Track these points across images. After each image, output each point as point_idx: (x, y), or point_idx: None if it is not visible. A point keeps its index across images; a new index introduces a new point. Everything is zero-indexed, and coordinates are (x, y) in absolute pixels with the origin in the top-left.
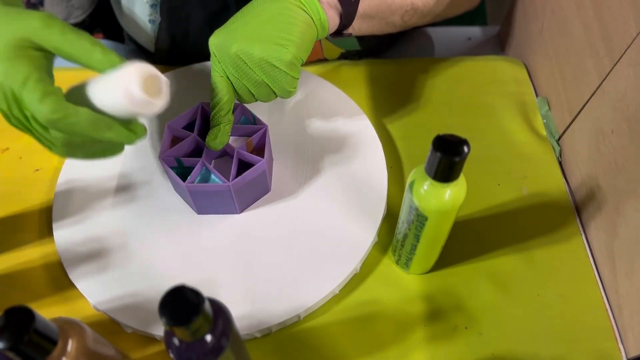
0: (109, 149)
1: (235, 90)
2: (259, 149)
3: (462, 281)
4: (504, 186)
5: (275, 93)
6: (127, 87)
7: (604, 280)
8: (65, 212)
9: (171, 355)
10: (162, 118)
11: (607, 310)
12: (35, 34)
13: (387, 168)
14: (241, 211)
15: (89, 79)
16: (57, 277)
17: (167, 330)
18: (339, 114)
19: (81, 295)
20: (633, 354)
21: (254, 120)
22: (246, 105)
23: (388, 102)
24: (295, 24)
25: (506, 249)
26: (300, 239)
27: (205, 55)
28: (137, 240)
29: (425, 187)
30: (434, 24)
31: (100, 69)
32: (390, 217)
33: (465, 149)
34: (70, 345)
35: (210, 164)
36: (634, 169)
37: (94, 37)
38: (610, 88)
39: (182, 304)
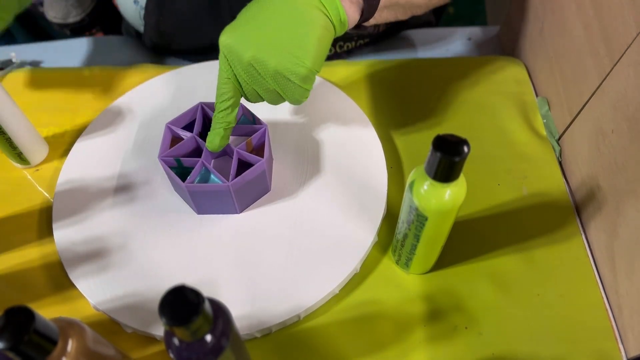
0: None
1: (243, 92)
2: (259, 149)
3: (462, 281)
4: (504, 186)
5: (284, 99)
6: None
7: (604, 280)
8: (65, 212)
9: (171, 355)
10: (162, 118)
11: (607, 310)
12: None
13: (387, 168)
14: (241, 211)
15: None
16: (57, 277)
17: (167, 330)
18: (339, 114)
19: (81, 295)
20: (633, 354)
21: (254, 120)
22: (246, 104)
23: (388, 102)
24: (312, 30)
25: (506, 249)
26: (300, 239)
27: (193, 31)
28: (137, 240)
29: (425, 187)
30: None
31: None
32: (390, 217)
33: (465, 149)
34: (70, 345)
35: (210, 164)
36: (634, 169)
37: None
38: (610, 88)
39: (182, 304)
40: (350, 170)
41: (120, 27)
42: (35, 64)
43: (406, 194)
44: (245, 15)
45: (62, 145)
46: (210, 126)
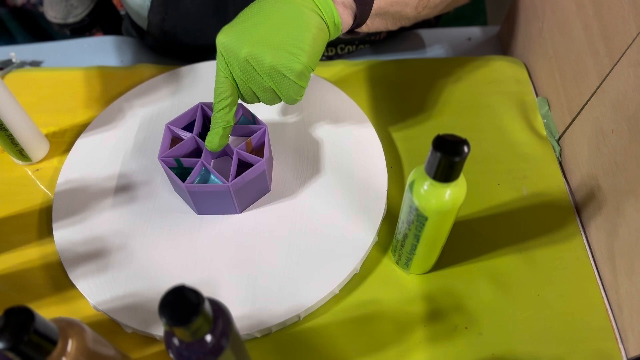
0: None
1: (240, 92)
2: (259, 149)
3: (462, 281)
4: (504, 186)
5: (280, 98)
6: None
7: (604, 280)
8: (65, 212)
9: (171, 355)
10: (162, 118)
11: (607, 310)
12: None
13: (387, 168)
14: (241, 211)
15: None
16: (57, 277)
17: (167, 331)
18: (339, 114)
19: (81, 295)
20: (633, 354)
21: (254, 120)
22: (246, 105)
23: (388, 102)
24: (308, 30)
25: (506, 249)
26: (300, 239)
27: (197, 32)
28: (137, 240)
29: (425, 187)
30: (434, 25)
31: None
32: (390, 217)
33: (465, 149)
34: (70, 345)
35: (210, 164)
36: (634, 169)
37: None
38: (610, 88)
39: (182, 304)
40: (350, 170)
41: (120, 27)
42: (35, 64)
43: (406, 194)
44: (242, 16)
45: (62, 145)
46: (210, 126)
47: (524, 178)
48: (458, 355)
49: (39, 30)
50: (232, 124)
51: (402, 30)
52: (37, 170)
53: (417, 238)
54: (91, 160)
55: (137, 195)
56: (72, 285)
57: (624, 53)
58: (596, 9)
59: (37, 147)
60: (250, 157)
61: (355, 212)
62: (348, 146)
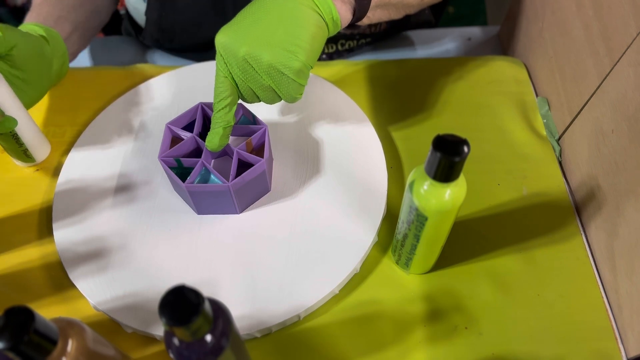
0: None
1: (240, 92)
2: (259, 149)
3: (462, 281)
4: (504, 186)
5: (280, 97)
6: None
7: (604, 280)
8: (65, 212)
9: (171, 355)
10: (162, 118)
11: (607, 310)
12: None
13: (387, 168)
14: (241, 211)
15: None
16: (57, 277)
17: (167, 331)
18: (339, 114)
19: (81, 295)
20: (633, 354)
21: (254, 120)
22: (246, 104)
23: (388, 102)
24: (306, 28)
25: (506, 249)
26: (300, 239)
27: (194, 28)
28: (137, 240)
29: (425, 187)
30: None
31: None
32: (390, 217)
33: (465, 149)
34: (70, 345)
35: (210, 164)
36: (634, 169)
37: None
38: (610, 88)
39: (182, 304)
40: (350, 170)
41: (120, 27)
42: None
43: (406, 194)
44: (240, 16)
45: (62, 145)
46: (210, 126)
47: (524, 178)
48: (458, 355)
49: None
50: (232, 123)
51: (403, 30)
52: (37, 170)
53: (417, 238)
54: (91, 160)
55: (137, 195)
56: (72, 285)
57: (624, 53)
58: (596, 9)
59: (41, 147)
60: (250, 157)
61: (355, 212)
62: (348, 146)
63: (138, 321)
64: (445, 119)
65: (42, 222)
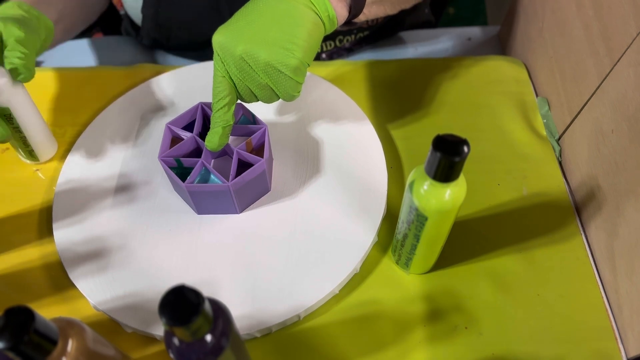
0: None
1: (238, 91)
2: (259, 149)
3: (462, 281)
4: (504, 186)
5: (278, 96)
6: None
7: (604, 280)
8: (65, 212)
9: (171, 355)
10: (162, 118)
11: (607, 310)
12: None
13: (387, 168)
14: (241, 211)
15: None
16: (57, 277)
17: (167, 331)
18: (339, 114)
19: (81, 295)
20: (633, 354)
21: (254, 120)
22: (246, 104)
23: (388, 102)
24: (302, 26)
25: (506, 249)
26: (300, 239)
27: (191, 24)
28: (137, 240)
29: (425, 187)
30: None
31: None
32: (390, 217)
33: (465, 149)
34: (70, 345)
35: (210, 164)
36: (634, 169)
37: None
38: (610, 88)
39: (182, 304)
40: (350, 170)
41: (120, 27)
42: (35, 65)
43: (406, 194)
44: (237, 16)
45: (62, 145)
46: (210, 126)
47: (524, 178)
48: (458, 355)
49: None
50: (232, 123)
51: (401, 25)
52: (37, 170)
53: (417, 238)
54: (91, 160)
55: (137, 195)
56: (72, 285)
57: (624, 53)
58: (596, 9)
59: (47, 148)
60: (250, 157)
61: (355, 212)
62: (348, 146)
63: (138, 321)
64: (445, 119)
65: (42, 222)
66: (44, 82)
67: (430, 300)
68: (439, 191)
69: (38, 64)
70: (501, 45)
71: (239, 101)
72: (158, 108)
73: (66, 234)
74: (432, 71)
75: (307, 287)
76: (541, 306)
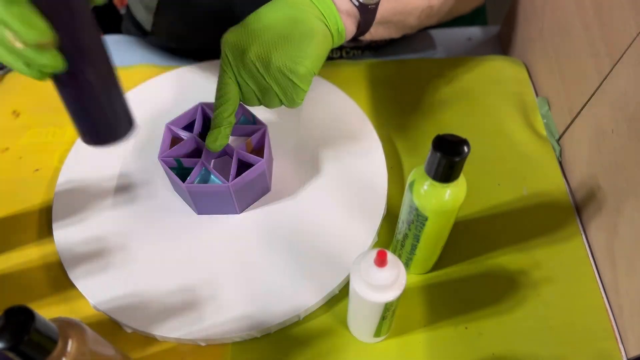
0: None
1: (242, 93)
2: (259, 149)
3: (462, 281)
4: (504, 186)
5: (281, 101)
6: None
7: (604, 280)
8: (65, 212)
9: None
10: (162, 118)
11: (607, 310)
12: None
13: (387, 168)
14: (241, 211)
15: None
16: (57, 277)
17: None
18: (339, 114)
19: (81, 295)
20: (633, 354)
21: (254, 120)
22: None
23: (388, 102)
24: (313, 36)
25: (506, 249)
26: (300, 239)
27: (203, 36)
28: (137, 240)
29: (425, 187)
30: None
31: None
32: (390, 217)
33: (465, 149)
34: (70, 345)
35: (210, 164)
36: (634, 169)
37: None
38: (611, 88)
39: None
40: (350, 170)
41: (120, 26)
42: None
43: (406, 194)
44: (250, 19)
45: (62, 145)
46: (210, 126)
47: (524, 178)
48: (458, 355)
49: None
50: (233, 123)
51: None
52: (37, 170)
53: (417, 238)
54: (91, 160)
55: (137, 195)
56: (72, 285)
57: (624, 53)
58: (596, 9)
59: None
60: (250, 157)
61: (355, 212)
62: (348, 146)
63: (138, 321)
64: (445, 119)
65: (42, 222)
66: (45, 82)
67: (430, 300)
68: (439, 191)
69: None
70: (501, 45)
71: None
72: (158, 108)
73: (66, 234)
74: (432, 71)
75: (307, 287)
76: (541, 306)
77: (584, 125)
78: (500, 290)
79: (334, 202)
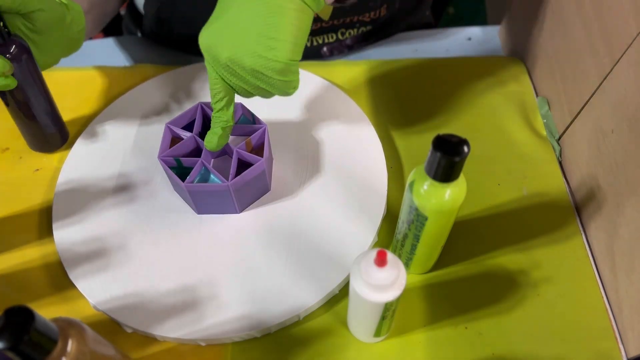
0: None
1: (234, 89)
2: (259, 149)
3: (462, 281)
4: (504, 186)
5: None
6: None
7: (604, 280)
8: (65, 212)
9: None
10: (162, 118)
11: (607, 310)
12: None
13: (387, 168)
14: (241, 211)
15: None
16: (57, 277)
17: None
18: (339, 114)
19: (81, 295)
20: (633, 354)
21: (254, 120)
22: (246, 104)
23: (388, 102)
24: (284, 16)
25: (506, 249)
26: (300, 239)
27: (192, 19)
28: (137, 240)
29: (425, 187)
30: (434, 25)
31: None
32: (390, 217)
33: (465, 149)
34: (70, 345)
35: (210, 164)
36: (634, 169)
37: None
38: (611, 88)
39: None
40: (350, 170)
41: (120, 27)
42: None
43: (406, 194)
44: (216, 12)
45: None
46: (210, 126)
47: (524, 178)
48: (458, 355)
49: None
50: (232, 123)
51: (402, 31)
52: (37, 170)
53: (417, 238)
54: (91, 160)
55: (137, 195)
56: (72, 285)
57: (624, 53)
58: (596, 9)
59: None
60: (250, 157)
61: (355, 212)
62: (348, 146)
63: (138, 321)
64: (445, 119)
65: (42, 222)
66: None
67: (430, 300)
68: (439, 191)
69: None
70: (501, 45)
71: (238, 100)
72: (158, 108)
73: (66, 234)
74: (432, 71)
75: (307, 287)
76: (541, 306)
77: (584, 125)
78: (500, 290)
79: (334, 202)
